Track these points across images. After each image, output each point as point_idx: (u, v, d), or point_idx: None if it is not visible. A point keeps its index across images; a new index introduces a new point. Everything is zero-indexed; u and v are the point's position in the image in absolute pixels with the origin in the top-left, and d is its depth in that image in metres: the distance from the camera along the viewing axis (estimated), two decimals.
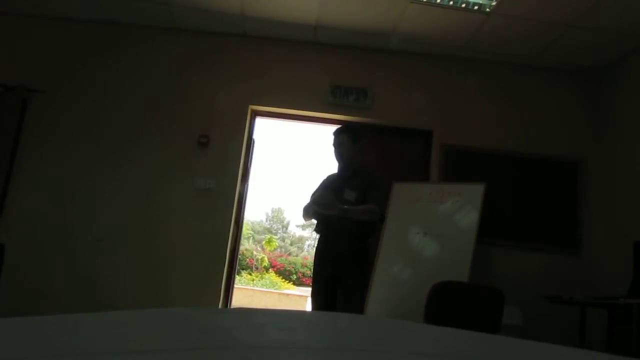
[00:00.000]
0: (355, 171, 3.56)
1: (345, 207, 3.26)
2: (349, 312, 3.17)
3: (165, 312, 0.79)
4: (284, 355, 0.56)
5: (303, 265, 20.73)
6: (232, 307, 4.93)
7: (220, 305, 4.46)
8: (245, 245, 21.33)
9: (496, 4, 4.04)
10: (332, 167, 3.79)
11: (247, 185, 4.92)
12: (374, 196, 3.43)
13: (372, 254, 3.53)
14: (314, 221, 3.65)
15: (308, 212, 3.52)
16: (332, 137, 3.64)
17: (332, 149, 3.61)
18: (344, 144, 3.54)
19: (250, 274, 16.22)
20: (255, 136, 5.02)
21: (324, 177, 3.74)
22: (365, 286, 3.42)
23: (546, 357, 0.79)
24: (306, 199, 3.63)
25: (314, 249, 3.68)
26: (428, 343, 0.78)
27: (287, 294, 12.75)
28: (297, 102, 4.86)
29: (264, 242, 22.59)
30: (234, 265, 4.80)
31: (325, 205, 3.26)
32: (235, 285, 5.10)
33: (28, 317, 0.63)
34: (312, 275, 3.64)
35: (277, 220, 35.77)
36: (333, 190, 3.41)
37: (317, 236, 3.65)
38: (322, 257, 3.50)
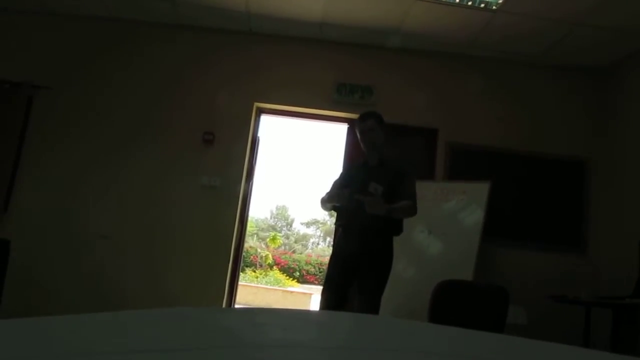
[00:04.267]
0: (381, 162, 3.18)
1: (392, 206, 2.93)
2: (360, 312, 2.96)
3: (169, 312, 0.79)
4: (288, 354, 0.56)
5: (307, 263, 20.73)
6: (236, 304, 4.95)
7: (224, 302, 4.47)
8: (250, 242, 21.34)
9: (502, 2, 4.01)
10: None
11: (252, 182, 4.93)
12: (409, 193, 3.06)
13: (394, 254, 3.10)
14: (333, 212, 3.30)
15: (326, 204, 3.19)
16: (358, 124, 3.24)
17: (359, 135, 3.22)
18: (374, 128, 3.15)
19: (255, 272, 16.22)
20: (260, 134, 5.02)
21: (345, 168, 3.31)
22: (382, 289, 3.02)
23: (552, 356, 0.79)
24: (323, 191, 3.26)
25: (332, 244, 3.32)
26: (433, 342, 0.78)
27: (291, 292, 12.73)
28: (302, 99, 4.86)
29: (268, 240, 22.60)
30: (238, 262, 4.81)
31: (372, 204, 2.89)
32: (239, 283, 5.10)
33: (31, 318, 0.63)
34: (326, 272, 3.23)
35: (282, 217, 35.79)
36: (356, 183, 3.08)
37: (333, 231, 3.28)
38: (340, 254, 3.15)
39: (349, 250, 3.07)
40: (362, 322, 0.98)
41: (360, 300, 3.01)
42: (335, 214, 3.34)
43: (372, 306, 2.96)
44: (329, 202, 3.17)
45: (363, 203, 2.91)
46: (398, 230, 3.15)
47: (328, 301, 3.06)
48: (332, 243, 3.61)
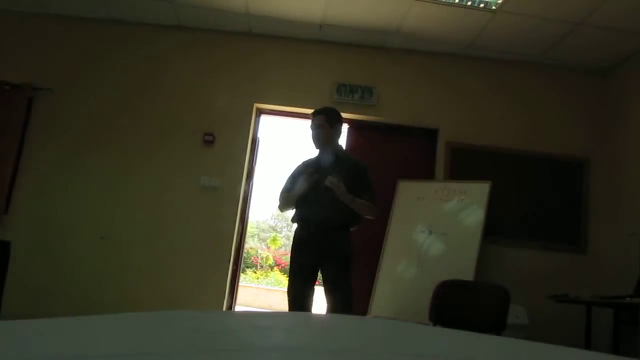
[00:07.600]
0: (337, 156, 3.25)
1: (354, 198, 3.02)
2: (333, 307, 3.02)
3: (171, 314, 0.79)
4: (291, 358, 0.55)
5: None
6: (237, 304, 4.94)
7: (225, 303, 4.47)
8: (250, 243, 21.32)
9: (502, 2, 4.01)
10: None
11: (252, 183, 4.93)
12: (369, 194, 3.14)
13: (354, 245, 3.14)
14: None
15: (290, 198, 3.20)
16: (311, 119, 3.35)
17: (310, 131, 3.33)
18: (321, 125, 3.25)
19: (255, 272, 16.22)
20: (260, 134, 5.02)
21: (298, 165, 3.39)
22: (348, 279, 3.07)
23: (550, 359, 0.79)
24: (281, 187, 3.33)
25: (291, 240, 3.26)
26: (433, 345, 0.78)
27: None
28: (302, 100, 4.85)
29: (268, 241, 22.58)
30: (239, 263, 4.80)
31: (335, 185, 2.99)
32: (240, 284, 5.10)
33: (31, 320, 0.63)
34: (289, 268, 3.25)
35: (282, 218, 35.74)
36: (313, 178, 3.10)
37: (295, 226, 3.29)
38: (299, 250, 3.16)
39: (308, 245, 3.09)
40: (364, 325, 0.98)
41: (329, 299, 3.03)
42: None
43: (343, 304, 2.98)
44: (291, 193, 3.18)
45: (325, 188, 2.99)
46: (353, 224, 3.17)
47: (295, 300, 3.09)
48: None
